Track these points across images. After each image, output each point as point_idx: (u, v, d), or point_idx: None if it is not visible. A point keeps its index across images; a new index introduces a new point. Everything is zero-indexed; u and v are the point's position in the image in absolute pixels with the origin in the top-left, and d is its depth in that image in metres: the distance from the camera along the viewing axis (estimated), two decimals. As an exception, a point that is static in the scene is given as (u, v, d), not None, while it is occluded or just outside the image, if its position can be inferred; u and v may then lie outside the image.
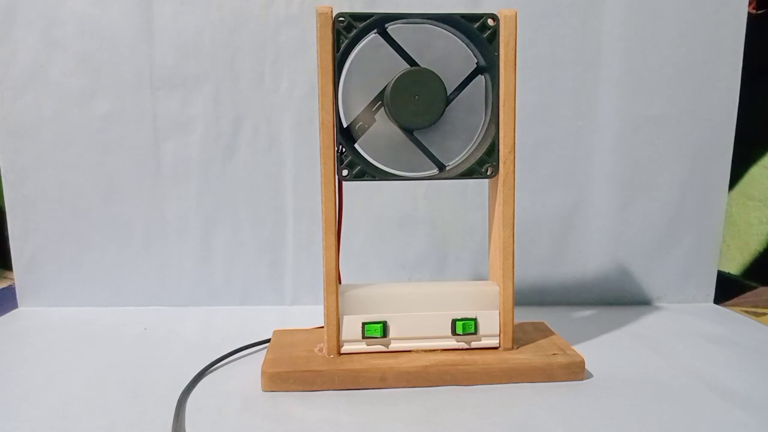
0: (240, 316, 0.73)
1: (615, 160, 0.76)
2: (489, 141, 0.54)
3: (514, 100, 0.54)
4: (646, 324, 0.71)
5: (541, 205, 0.76)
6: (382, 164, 0.54)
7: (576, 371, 0.54)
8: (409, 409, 0.49)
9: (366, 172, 0.53)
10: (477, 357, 0.54)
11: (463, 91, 0.54)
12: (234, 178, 0.75)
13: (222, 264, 0.76)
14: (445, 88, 0.53)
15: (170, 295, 0.76)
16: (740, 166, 0.92)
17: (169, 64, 0.72)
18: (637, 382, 0.54)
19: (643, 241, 0.78)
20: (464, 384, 0.53)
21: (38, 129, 0.73)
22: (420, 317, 0.55)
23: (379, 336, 0.54)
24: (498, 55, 0.53)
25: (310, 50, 0.72)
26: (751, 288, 0.89)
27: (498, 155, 0.54)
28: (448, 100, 0.53)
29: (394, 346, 0.55)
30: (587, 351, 0.56)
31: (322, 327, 0.55)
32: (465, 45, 0.54)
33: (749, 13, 0.75)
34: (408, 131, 0.54)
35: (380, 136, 0.54)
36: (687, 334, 0.67)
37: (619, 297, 0.79)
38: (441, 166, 0.55)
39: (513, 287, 0.56)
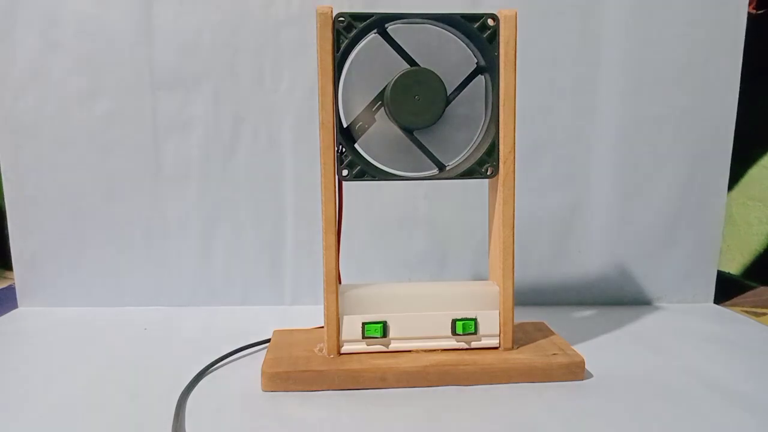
0: (240, 316, 0.73)
1: (615, 160, 0.76)
2: (489, 141, 0.54)
3: (514, 100, 0.54)
4: (646, 324, 0.71)
5: (541, 205, 0.76)
6: (382, 164, 0.54)
7: (576, 371, 0.54)
8: (409, 409, 0.49)
9: (366, 172, 0.53)
10: (477, 357, 0.54)
11: (463, 91, 0.54)
12: (234, 178, 0.75)
13: (222, 264, 0.76)
14: (445, 88, 0.53)
15: (170, 295, 0.76)
16: (740, 166, 0.92)
17: (169, 64, 0.72)
18: (637, 382, 0.54)
19: (643, 241, 0.78)
20: (464, 384, 0.53)
21: (38, 129, 0.73)
22: (420, 317, 0.55)
23: (379, 336, 0.54)
24: (498, 55, 0.53)
25: (310, 50, 0.72)
26: (751, 288, 0.89)
27: (498, 155, 0.54)
28: (448, 100, 0.53)
29: (394, 346, 0.55)
30: (587, 351, 0.56)
31: (322, 327, 0.55)
32: (465, 45, 0.54)
33: (749, 13, 0.75)
34: (408, 131, 0.54)
35: (380, 136, 0.54)
36: (687, 334, 0.67)
37: (619, 297, 0.79)
38: (441, 166, 0.55)
39: (513, 287, 0.56)
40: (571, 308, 0.76)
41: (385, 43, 0.53)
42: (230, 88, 0.73)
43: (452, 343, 0.56)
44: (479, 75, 0.54)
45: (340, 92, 0.53)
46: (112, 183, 0.74)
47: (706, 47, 0.75)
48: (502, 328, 0.56)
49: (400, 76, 0.52)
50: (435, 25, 0.54)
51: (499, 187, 0.55)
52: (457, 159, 0.55)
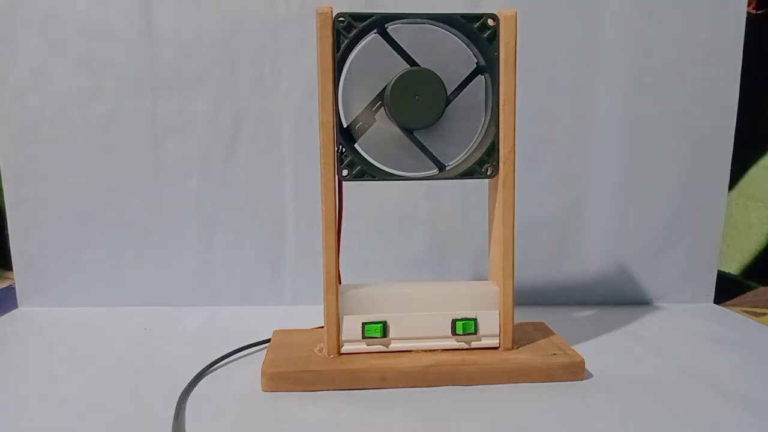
0: (240, 316, 0.73)
1: (615, 160, 0.76)
2: (489, 141, 0.54)
3: (514, 100, 0.54)
4: (646, 324, 0.71)
5: (541, 205, 0.76)
6: (382, 164, 0.54)
7: (576, 371, 0.54)
8: (409, 409, 0.49)
9: (366, 172, 0.53)
10: (477, 357, 0.54)
11: (463, 91, 0.54)
12: (234, 178, 0.75)
13: (222, 264, 0.76)
14: (445, 88, 0.53)
15: (170, 295, 0.76)
16: (740, 166, 0.92)
17: (169, 64, 0.72)
18: (637, 382, 0.54)
19: (643, 241, 0.78)
20: (464, 384, 0.53)
21: (38, 129, 0.73)
22: (420, 317, 0.55)
23: (379, 336, 0.54)
24: (498, 55, 0.53)
25: (310, 50, 0.72)
26: (751, 288, 0.89)
27: (498, 155, 0.54)
28: (448, 100, 0.53)
29: (394, 346, 0.55)
30: (587, 351, 0.56)
31: (322, 327, 0.55)
32: (465, 45, 0.54)
33: (749, 13, 0.75)
34: (408, 131, 0.54)
35: (380, 136, 0.54)
36: (687, 334, 0.67)
37: (619, 297, 0.79)
38: (441, 166, 0.55)
39: (513, 287, 0.56)
40: (571, 308, 0.76)
41: (385, 43, 0.53)
42: (230, 88, 0.73)
43: (452, 343, 0.56)
44: (479, 75, 0.54)
45: (340, 92, 0.53)
46: (112, 183, 0.74)
47: (705, 47, 0.75)
48: (502, 328, 0.56)
49: (400, 76, 0.52)
50: (435, 25, 0.54)
51: (499, 187, 0.55)
52: (457, 159, 0.55)
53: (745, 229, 0.95)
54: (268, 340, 0.59)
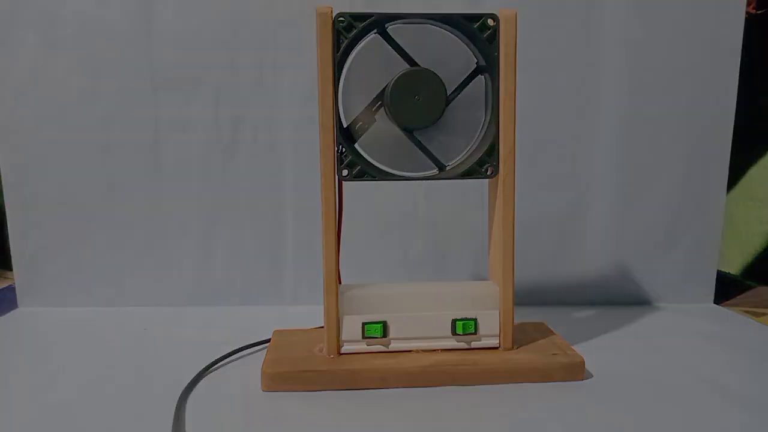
0: (240, 316, 0.73)
1: (615, 160, 0.76)
2: (489, 141, 0.54)
3: (514, 100, 0.54)
4: (646, 324, 0.71)
5: (541, 205, 0.76)
6: (382, 164, 0.54)
7: (576, 371, 0.54)
8: (409, 409, 0.49)
9: (366, 172, 0.53)
10: (477, 357, 0.54)
11: (463, 91, 0.54)
12: (234, 178, 0.75)
13: (222, 264, 0.76)
14: (445, 88, 0.53)
15: (170, 295, 0.76)
16: (740, 166, 0.92)
17: (169, 64, 0.72)
18: (637, 382, 0.54)
19: (643, 241, 0.78)
20: (464, 384, 0.53)
21: (38, 129, 0.73)
22: (420, 317, 0.55)
23: (379, 336, 0.54)
24: (498, 55, 0.53)
25: (310, 50, 0.72)
26: (751, 288, 0.89)
27: (498, 155, 0.54)
28: (448, 100, 0.53)
29: (394, 346, 0.55)
30: (587, 351, 0.56)
31: (322, 327, 0.55)
32: (465, 45, 0.54)
33: (749, 13, 0.75)
34: (408, 131, 0.54)
35: (380, 136, 0.54)
36: (687, 334, 0.67)
37: (619, 297, 0.79)
38: (441, 166, 0.55)
39: (513, 287, 0.56)
40: (571, 308, 0.76)
41: (385, 43, 0.53)
42: (230, 88, 0.73)
43: (452, 343, 0.56)
44: (479, 75, 0.54)
45: (340, 92, 0.53)
46: (113, 183, 0.74)
47: (705, 47, 0.75)
48: (502, 328, 0.56)
49: (400, 76, 0.52)
50: (435, 25, 0.54)
51: (499, 187, 0.55)
52: (457, 159, 0.55)
53: (745, 229, 0.95)
54: (268, 340, 0.59)
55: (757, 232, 0.93)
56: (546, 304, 0.77)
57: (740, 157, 0.80)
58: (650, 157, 0.76)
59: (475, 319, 0.55)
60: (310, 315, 0.68)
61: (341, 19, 0.51)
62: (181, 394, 0.50)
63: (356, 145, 0.54)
